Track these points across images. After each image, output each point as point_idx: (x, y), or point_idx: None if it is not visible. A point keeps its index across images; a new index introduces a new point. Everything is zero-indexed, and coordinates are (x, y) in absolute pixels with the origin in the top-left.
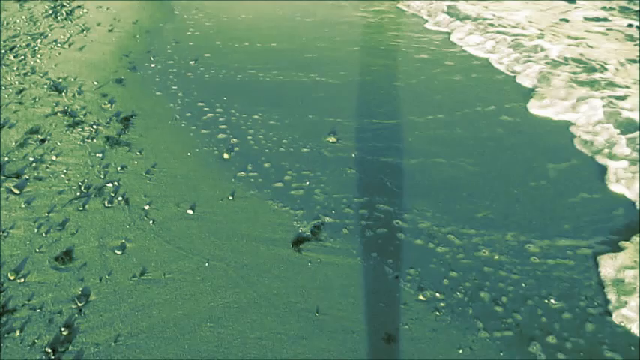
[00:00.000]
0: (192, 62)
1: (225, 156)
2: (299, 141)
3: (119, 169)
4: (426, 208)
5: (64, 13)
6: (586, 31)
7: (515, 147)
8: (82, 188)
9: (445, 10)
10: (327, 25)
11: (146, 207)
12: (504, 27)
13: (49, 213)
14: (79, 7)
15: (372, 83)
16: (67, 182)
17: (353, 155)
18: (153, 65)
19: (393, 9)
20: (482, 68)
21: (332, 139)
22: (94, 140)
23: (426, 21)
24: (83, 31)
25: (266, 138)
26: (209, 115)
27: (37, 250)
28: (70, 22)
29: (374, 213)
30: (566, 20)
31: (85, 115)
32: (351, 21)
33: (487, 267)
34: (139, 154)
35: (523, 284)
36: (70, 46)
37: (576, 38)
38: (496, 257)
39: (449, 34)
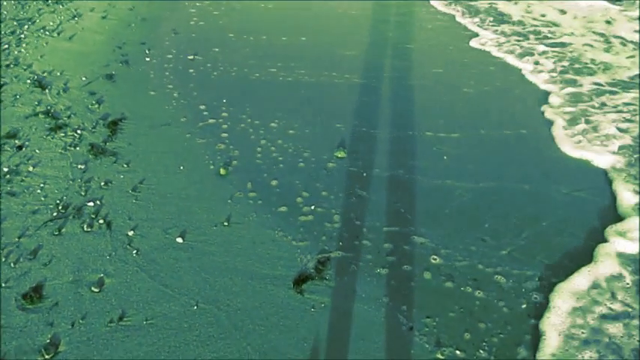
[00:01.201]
0: (190, 57)
1: (222, 171)
2: (306, 155)
3: (102, 184)
4: (443, 241)
5: None
6: None
7: (539, 180)
8: (60, 207)
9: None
10: (367, 21)
11: (130, 232)
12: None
13: (19, 238)
14: None
15: (403, 88)
16: (42, 199)
17: (364, 174)
18: (148, 59)
19: (425, 7)
20: (522, 85)
21: (341, 154)
22: (77, 148)
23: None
24: (74, 17)
25: (278, 149)
26: (210, 120)
27: (4, 285)
28: (61, 7)
29: (385, 246)
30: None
31: (69, 116)
32: (394, 20)
33: None
34: (125, 166)
35: None
36: (58, 34)
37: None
38: (524, 305)
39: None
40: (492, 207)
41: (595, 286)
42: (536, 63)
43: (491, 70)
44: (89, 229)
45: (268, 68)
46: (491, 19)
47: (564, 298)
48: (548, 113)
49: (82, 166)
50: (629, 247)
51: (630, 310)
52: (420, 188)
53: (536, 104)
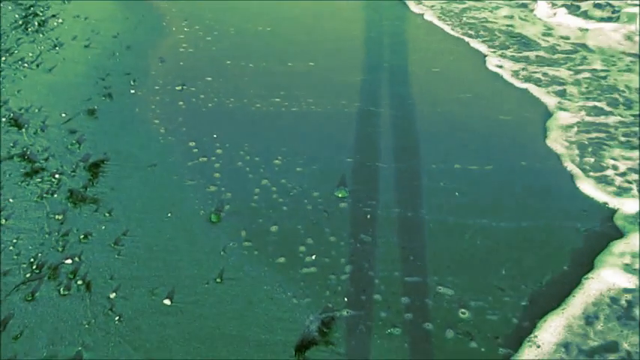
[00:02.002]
0: (178, 88)
1: (213, 218)
2: (312, 195)
3: (82, 237)
4: (457, 292)
5: (36, 23)
6: None
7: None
8: (34, 267)
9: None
10: (375, 44)
11: (112, 295)
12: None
13: None
14: (53, 16)
15: (415, 116)
16: (15, 257)
17: (368, 216)
18: (133, 92)
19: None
20: (539, 113)
21: (342, 194)
22: (55, 195)
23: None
24: (55, 46)
25: (279, 189)
26: (201, 159)
27: None
28: (41, 36)
29: (396, 300)
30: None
31: (46, 159)
32: (400, 42)
33: None
34: (107, 214)
35: None
36: (38, 66)
37: None
38: None
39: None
40: (508, 248)
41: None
42: (562, 94)
43: (506, 98)
44: (66, 292)
45: (270, 98)
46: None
47: None
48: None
49: (60, 217)
50: None
51: None
52: (430, 229)
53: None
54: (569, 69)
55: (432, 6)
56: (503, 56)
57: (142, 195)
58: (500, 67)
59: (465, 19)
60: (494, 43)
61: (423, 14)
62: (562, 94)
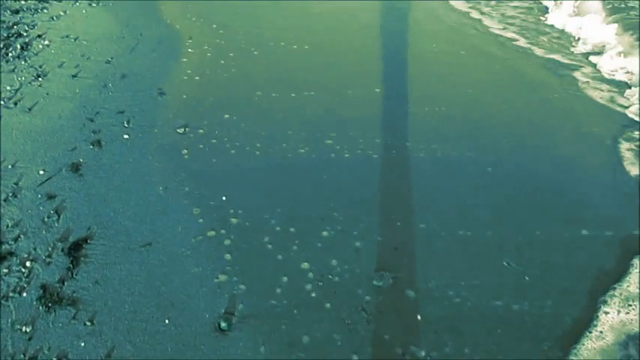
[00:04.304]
0: (180, 130)
1: (223, 325)
2: (358, 282)
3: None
4: None
5: (18, 47)
6: None
7: None
8: None
9: None
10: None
11: None
12: None
13: None
14: (39, 36)
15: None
16: None
17: (419, 317)
18: (126, 137)
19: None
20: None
21: (376, 283)
22: (24, 294)
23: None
24: (38, 76)
25: (316, 274)
26: (209, 233)
27: None
28: (23, 63)
29: None
30: None
31: (17, 239)
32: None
33: None
34: (88, 324)
35: None
36: (16, 104)
37: None
38: None
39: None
40: None
41: None
42: None
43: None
44: None
45: (313, 141)
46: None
47: None
48: None
49: (28, 329)
50: None
51: None
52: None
53: None
54: None
55: None
56: None
57: (132, 291)
58: None
59: None
60: None
61: None
62: None
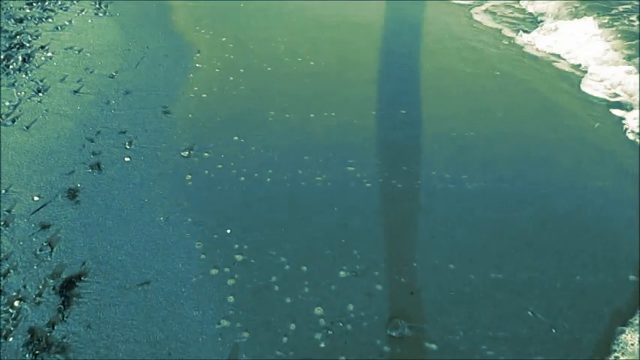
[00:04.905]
0: (184, 154)
1: None
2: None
3: None
4: None
5: (20, 58)
6: None
7: None
8: None
9: None
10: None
11: None
12: None
13: None
14: (42, 47)
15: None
16: None
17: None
18: (127, 159)
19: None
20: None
21: (395, 334)
22: (10, 339)
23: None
24: (39, 91)
25: (326, 321)
26: (212, 271)
27: None
28: (24, 76)
29: None
30: None
31: (6, 274)
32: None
33: None
34: None
35: None
36: (13, 121)
37: None
38: None
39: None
40: None
41: None
42: None
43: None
44: None
45: (337, 167)
46: None
47: None
48: None
49: None
50: None
51: None
52: None
53: None
54: None
55: None
56: None
57: (126, 338)
58: None
59: None
60: None
61: None
62: None
